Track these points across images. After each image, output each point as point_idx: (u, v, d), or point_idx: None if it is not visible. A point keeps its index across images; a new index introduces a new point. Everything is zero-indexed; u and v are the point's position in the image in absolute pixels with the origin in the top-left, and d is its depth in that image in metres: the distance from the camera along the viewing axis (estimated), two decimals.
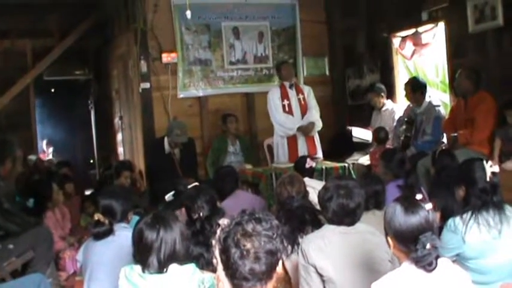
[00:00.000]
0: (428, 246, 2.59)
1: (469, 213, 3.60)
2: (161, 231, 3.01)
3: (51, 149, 13.79)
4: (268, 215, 2.43)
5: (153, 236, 3.01)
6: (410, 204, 2.71)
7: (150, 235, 3.01)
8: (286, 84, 7.84)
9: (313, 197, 5.56)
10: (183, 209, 4.34)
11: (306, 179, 5.72)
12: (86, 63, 11.66)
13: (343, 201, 3.47)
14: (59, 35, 10.61)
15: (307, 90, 7.96)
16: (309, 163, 5.91)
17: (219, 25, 9.01)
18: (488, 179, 3.64)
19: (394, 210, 2.72)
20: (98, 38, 10.83)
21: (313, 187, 5.65)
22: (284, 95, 7.79)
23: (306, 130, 7.69)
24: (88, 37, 10.61)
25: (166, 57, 8.57)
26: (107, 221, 4.03)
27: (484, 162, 3.74)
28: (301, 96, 7.83)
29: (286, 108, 7.75)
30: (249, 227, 2.33)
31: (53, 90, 13.53)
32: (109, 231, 4.01)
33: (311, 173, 5.91)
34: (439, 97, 7.70)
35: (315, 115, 7.79)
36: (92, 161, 12.83)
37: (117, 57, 9.90)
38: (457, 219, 3.64)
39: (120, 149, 10.37)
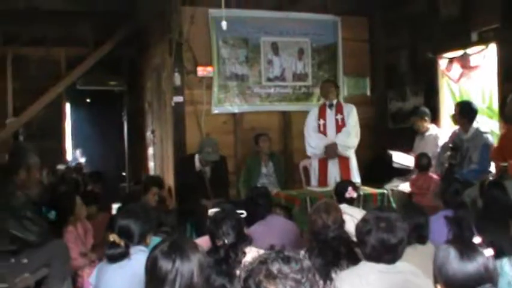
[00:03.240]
0: None
1: None
2: (177, 261, 2.67)
3: (84, 159, 13.69)
4: (299, 254, 2.06)
5: (168, 266, 2.67)
6: (466, 248, 2.32)
7: (164, 265, 2.68)
8: (327, 103, 7.53)
9: (351, 226, 5.23)
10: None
11: (344, 206, 5.41)
12: (119, 74, 11.50)
13: (384, 236, 3.12)
14: (94, 44, 10.46)
15: (348, 110, 7.58)
16: (350, 193, 5.52)
17: (258, 40, 8.70)
18: None
19: (448, 255, 2.33)
20: (133, 48, 10.65)
21: (351, 215, 5.31)
22: (321, 115, 7.48)
23: (327, 151, 7.33)
24: (123, 47, 10.41)
25: (201, 71, 8.29)
26: (122, 243, 3.70)
27: None
28: (339, 117, 7.47)
29: (321, 128, 7.43)
30: (275, 268, 1.98)
31: (88, 100, 13.48)
32: (124, 254, 3.69)
33: (350, 202, 5.54)
34: (486, 123, 7.28)
35: (344, 135, 7.40)
36: (124, 174, 12.58)
37: (151, 69, 9.66)
38: (505, 260, 3.25)
39: (151, 164, 10.10)
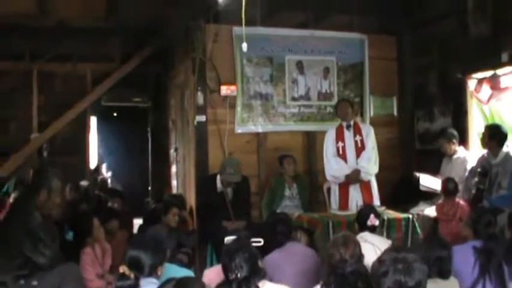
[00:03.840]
0: None
1: None
2: None
3: (109, 173, 13.69)
4: None
5: None
6: None
7: None
8: (344, 124, 7.40)
9: (372, 255, 5.06)
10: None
11: (366, 234, 5.28)
12: (145, 91, 11.49)
13: (401, 278, 2.97)
14: (120, 60, 10.43)
15: (367, 131, 7.48)
16: (372, 221, 5.34)
17: (283, 58, 8.56)
18: None
19: None
20: (158, 65, 10.62)
21: (373, 243, 5.17)
22: (339, 137, 7.37)
23: (350, 179, 7.22)
24: (148, 64, 10.37)
25: (225, 90, 8.17)
26: (132, 275, 3.58)
27: None
28: (358, 138, 7.37)
29: (340, 151, 7.34)
30: None
31: (115, 114, 13.51)
32: (134, 287, 3.56)
33: (372, 230, 5.37)
34: None
35: (365, 161, 7.29)
36: (149, 188, 12.53)
37: (175, 87, 9.61)
38: None
39: (174, 182, 10.02)
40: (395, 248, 3.44)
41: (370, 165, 7.30)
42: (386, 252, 3.35)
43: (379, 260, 3.16)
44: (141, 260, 3.70)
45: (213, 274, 4.53)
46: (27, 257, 4.52)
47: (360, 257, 3.98)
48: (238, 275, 3.61)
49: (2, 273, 4.47)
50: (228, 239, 4.77)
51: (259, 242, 4.81)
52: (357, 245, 4.00)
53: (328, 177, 7.41)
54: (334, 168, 7.30)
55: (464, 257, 4.26)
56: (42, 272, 4.73)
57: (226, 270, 3.76)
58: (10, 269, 4.56)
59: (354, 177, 7.21)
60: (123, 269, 3.64)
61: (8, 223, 4.74)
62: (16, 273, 4.57)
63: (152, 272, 3.72)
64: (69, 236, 5.93)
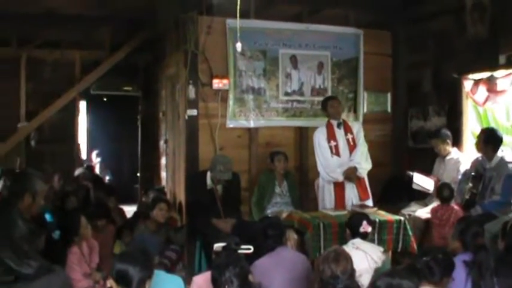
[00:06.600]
0: None
1: None
2: None
3: (98, 160, 13.61)
4: None
5: None
6: None
7: None
8: (334, 122, 7.30)
9: (364, 263, 5.00)
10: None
11: (358, 240, 5.25)
12: (134, 80, 11.37)
13: None
14: (109, 48, 10.30)
15: (357, 128, 7.41)
16: (365, 227, 5.29)
17: (276, 52, 8.38)
18: None
19: None
20: (149, 55, 10.51)
21: (365, 251, 5.14)
22: (331, 136, 7.26)
23: (348, 176, 7.13)
24: (138, 53, 10.27)
25: (217, 83, 7.99)
26: None
27: None
28: (350, 136, 7.29)
29: (333, 150, 7.22)
30: None
31: (104, 99, 13.42)
32: None
33: (364, 237, 5.29)
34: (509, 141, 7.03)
35: (359, 157, 7.20)
36: (138, 174, 12.42)
37: (166, 78, 9.44)
38: None
39: (163, 174, 9.89)
40: (390, 273, 3.34)
41: (363, 160, 7.22)
42: (380, 277, 3.26)
43: (374, 286, 3.07)
44: (129, 273, 3.57)
45: (202, 280, 4.43)
46: (10, 265, 4.42)
47: (352, 272, 3.88)
48: None
49: None
50: (218, 246, 4.68)
51: (249, 249, 4.71)
52: (349, 260, 3.90)
53: (325, 177, 7.26)
54: (332, 170, 7.17)
55: (457, 273, 4.16)
56: (28, 280, 4.63)
57: (216, 284, 3.70)
58: None
59: (351, 174, 7.10)
60: (110, 283, 3.55)
61: None
62: (1, 279, 4.47)
63: (140, 286, 3.60)
64: (56, 235, 5.85)
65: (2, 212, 4.70)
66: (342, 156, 7.20)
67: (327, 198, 7.30)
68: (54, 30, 9.74)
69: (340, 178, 7.12)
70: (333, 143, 7.23)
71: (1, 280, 4.54)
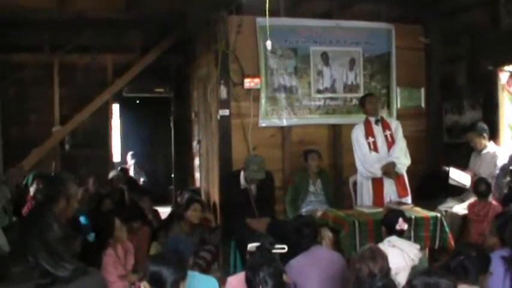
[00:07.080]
0: None
1: None
2: None
3: (132, 161, 13.65)
4: None
5: None
6: None
7: None
8: (372, 119, 7.22)
9: (400, 261, 4.91)
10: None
11: (394, 238, 5.15)
12: (166, 81, 11.42)
13: None
14: (140, 51, 10.37)
15: (395, 125, 7.31)
16: (401, 225, 5.20)
17: (307, 50, 8.32)
18: None
19: None
20: (180, 56, 10.52)
21: (401, 249, 5.04)
22: (369, 132, 7.17)
23: (387, 172, 7.02)
24: (169, 55, 10.28)
25: (248, 83, 7.96)
26: None
27: None
28: (388, 133, 7.20)
29: (371, 146, 7.13)
30: None
31: (137, 102, 13.49)
32: None
33: (400, 234, 5.21)
34: None
35: (398, 153, 7.09)
36: (172, 176, 12.46)
37: (197, 79, 9.44)
38: None
39: (197, 174, 9.89)
40: (427, 271, 3.26)
41: (403, 156, 7.13)
42: (417, 276, 3.19)
43: (411, 285, 3.01)
44: (162, 275, 3.55)
45: (236, 281, 4.41)
46: (46, 268, 4.44)
47: (388, 271, 3.82)
48: None
49: (23, 282, 4.38)
50: (251, 246, 4.65)
51: (283, 248, 4.67)
52: (385, 258, 3.84)
53: (363, 172, 7.17)
54: (371, 165, 7.08)
55: (493, 267, 4.06)
56: (64, 283, 4.65)
57: (250, 284, 3.68)
58: (31, 277, 4.48)
59: (390, 169, 7.01)
60: (144, 285, 3.53)
61: (26, 232, 4.63)
62: (38, 282, 4.49)
63: None
64: (91, 237, 5.88)
65: (38, 215, 4.72)
66: (380, 152, 7.12)
67: (365, 195, 7.22)
68: (84, 35, 9.86)
69: (379, 173, 7.02)
70: (371, 139, 7.16)
71: (38, 283, 4.56)
